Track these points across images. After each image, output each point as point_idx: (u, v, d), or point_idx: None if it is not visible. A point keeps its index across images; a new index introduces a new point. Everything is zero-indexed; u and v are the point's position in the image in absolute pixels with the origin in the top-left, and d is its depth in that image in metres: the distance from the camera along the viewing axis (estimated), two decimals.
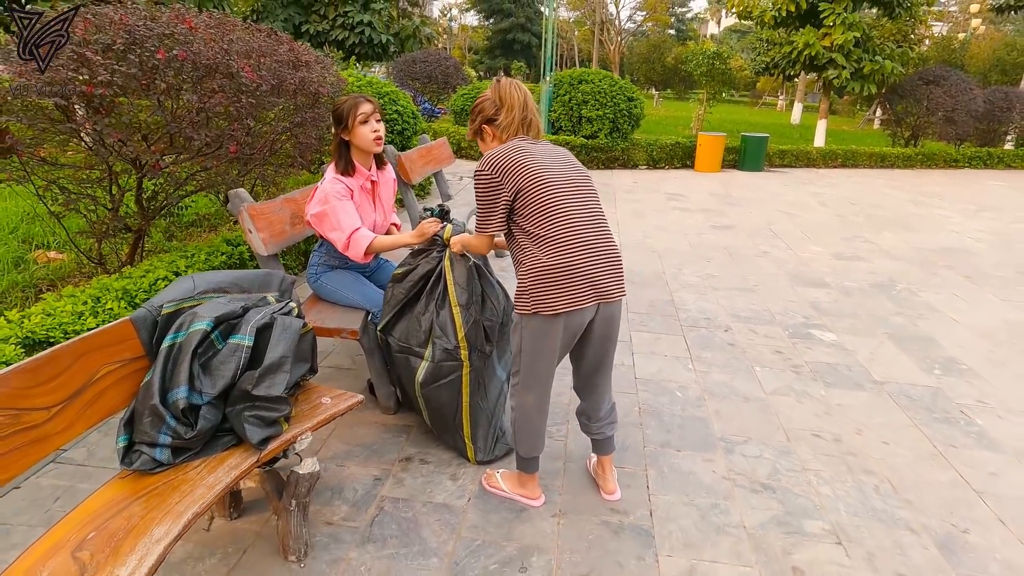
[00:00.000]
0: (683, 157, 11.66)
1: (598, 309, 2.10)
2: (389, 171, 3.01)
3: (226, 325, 1.96)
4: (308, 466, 1.99)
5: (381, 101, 7.45)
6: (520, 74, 33.49)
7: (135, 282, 3.11)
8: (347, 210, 2.63)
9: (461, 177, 9.22)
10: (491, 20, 40.00)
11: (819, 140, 14.01)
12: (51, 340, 2.64)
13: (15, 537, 2.09)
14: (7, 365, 2.39)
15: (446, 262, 2.51)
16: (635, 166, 11.39)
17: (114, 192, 3.55)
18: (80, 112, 3.01)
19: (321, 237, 2.82)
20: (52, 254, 4.48)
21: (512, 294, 2.20)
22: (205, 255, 3.60)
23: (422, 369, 2.49)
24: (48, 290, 3.79)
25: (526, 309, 2.06)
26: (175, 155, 3.22)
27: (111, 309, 2.86)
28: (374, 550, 2.13)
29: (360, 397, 2.22)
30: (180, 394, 1.78)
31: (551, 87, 10.90)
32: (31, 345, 2.58)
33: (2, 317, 2.67)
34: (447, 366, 2.48)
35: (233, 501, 2.24)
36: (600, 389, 2.34)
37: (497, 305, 2.60)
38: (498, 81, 2.24)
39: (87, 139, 3.11)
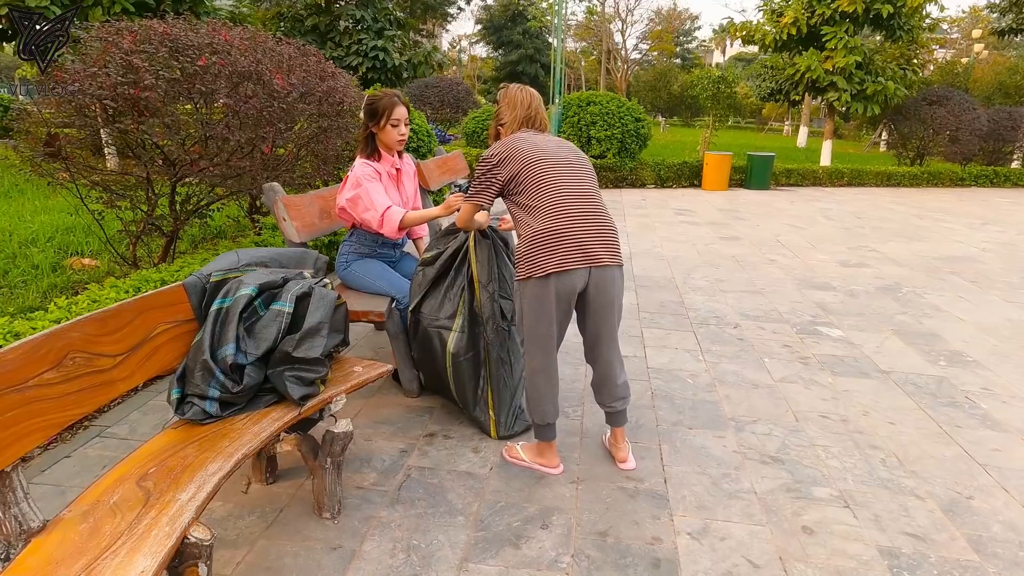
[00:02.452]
0: (690, 176, 11.87)
1: (590, 274, 2.26)
2: (410, 163, 3.21)
3: (268, 294, 2.12)
4: (342, 426, 2.13)
5: None
6: None
7: (172, 274, 3.29)
8: (378, 190, 2.85)
9: None
10: (500, 51, 40.91)
11: (825, 160, 14.21)
12: None
13: (70, 495, 2.23)
14: None
15: (471, 241, 2.70)
16: (643, 185, 11.61)
17: (149, 196, 3.76)
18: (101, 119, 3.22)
19: (354, 224, 3.01)
20: (86, 261, 4.68)
21: None
22: None
23: (452, 340, 2.66)
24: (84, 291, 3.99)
25: (521, 275, 2.28)
26: (211, 158, 3.42)
27: None
28: (403, 510, 2.25)
29: (390, 366, 2.37)
30: (228, 351, 1.93)
31: (560, 109, 11.19)
32: None
33: (52, 303, 2.85)
34: (475, 337, 2.66)
35: (269, 467, 2.38)
36: (606, 359, 2.46)
37: (513, 286, 2.76)
38: (505, 87, 2.56)
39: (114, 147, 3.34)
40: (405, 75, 13.80)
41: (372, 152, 2.98)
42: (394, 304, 2.94)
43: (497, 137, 2.57)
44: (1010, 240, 7.89)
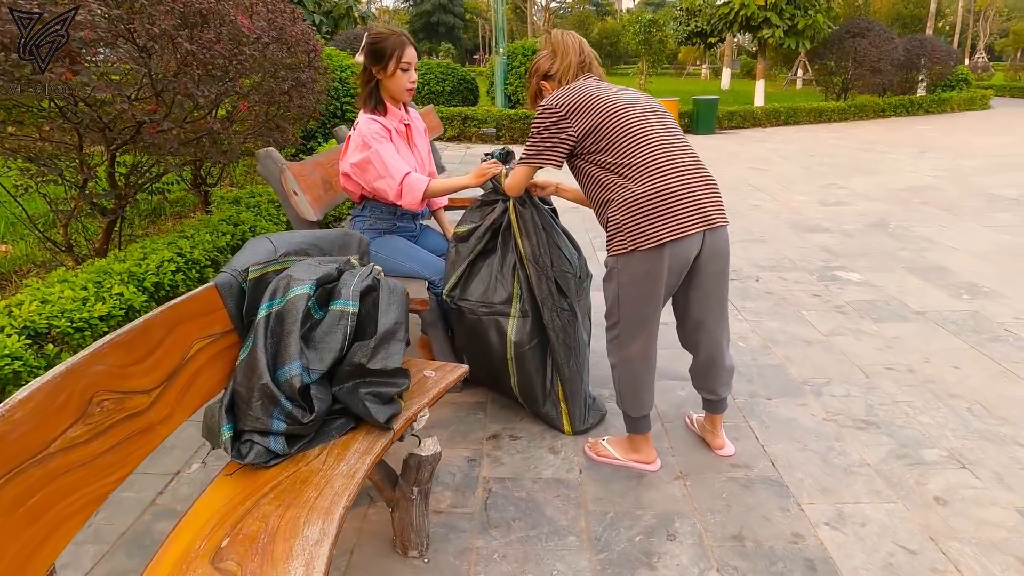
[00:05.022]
0: None
1: (704, 239, 1.91)
2: (418, 116, 2.71)
3: (321, 291, 1.64)
4: (430, 447, 1.71)
5: (344, 75, 6.98)
6: (448, 56, 32.76)
7: (138, 264, 2.66)
8: (391, 152, 2.34)
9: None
10: (410, 2, 38.86)
11: (759, 100, 14.35)
12: (55, 328, 2.21)
13: (67, 554, 1.71)
14: (11, 359, 1.97)
15: (511, 213, 2.27)
16: None
17: (82, 167, 3.04)
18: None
19: (362, 196, 2.50)
20: None
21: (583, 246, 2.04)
22: (208, 235, 3.15)
23: (513, 327, 2.25)
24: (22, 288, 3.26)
25: (623, 248, 1.88)
26: (164, 116, 2.77)
27: (120, 293, 2.42)
28: (500, 535, 1.88)
29: (465, 367, 1.94)
30: (294, 370, 1.46)
31: (505, 59, 10.59)
32: (34, 336, 2.14)
33: None
34: (540, 321, 2.27)
35: None
36: (714, 339, 2.11)
37: (571, 257, 2.37)
38: (548, 32, 2.15)
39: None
40: (325, 30, 12.62)
41: (376, 105, 2.45)
42: (429, 287, 2.49)
43: (540, 95, 2.13)
44: (951, 166, 8.19)
